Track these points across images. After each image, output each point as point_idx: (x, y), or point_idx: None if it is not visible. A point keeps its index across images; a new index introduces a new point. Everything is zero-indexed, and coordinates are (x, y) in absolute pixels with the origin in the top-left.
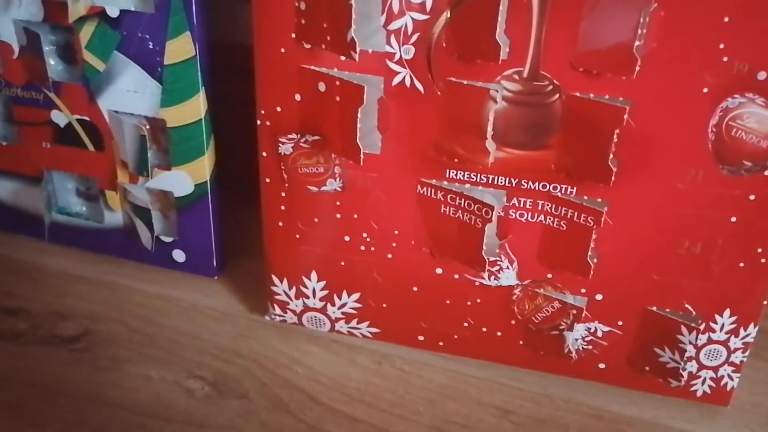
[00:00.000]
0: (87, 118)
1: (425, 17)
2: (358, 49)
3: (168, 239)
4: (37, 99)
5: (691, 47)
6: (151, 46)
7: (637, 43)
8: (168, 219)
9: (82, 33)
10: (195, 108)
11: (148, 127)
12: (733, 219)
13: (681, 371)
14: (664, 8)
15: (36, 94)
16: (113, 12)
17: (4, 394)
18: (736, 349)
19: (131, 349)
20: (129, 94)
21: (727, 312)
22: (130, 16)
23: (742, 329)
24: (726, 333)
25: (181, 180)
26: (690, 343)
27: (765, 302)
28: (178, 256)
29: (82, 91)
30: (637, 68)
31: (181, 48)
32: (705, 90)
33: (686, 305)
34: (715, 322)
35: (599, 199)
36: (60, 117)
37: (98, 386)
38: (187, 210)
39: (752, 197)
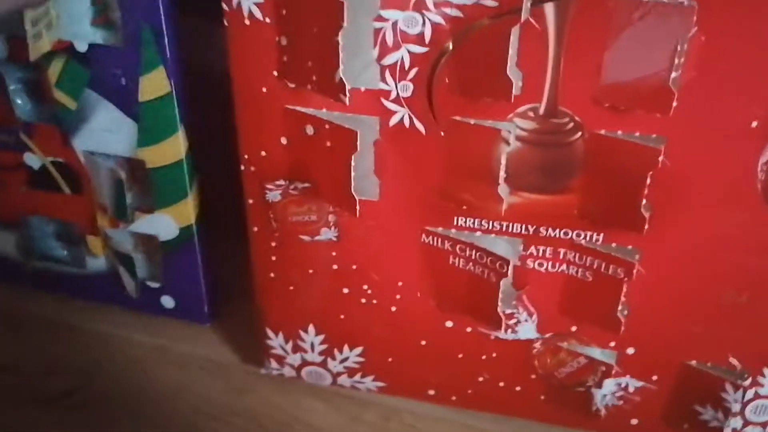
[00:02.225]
0: (62, 160)
1: (424, 50)
2: (347, 92)
3: (155, 285)
4: (8, 141)
5: (736, 76)
6: (123, 83)
7: (673, 74)
8: (154, 264)
9: (51, 70)
10: (175, 147)
11: (127, 167)
12: None
13: (724, 430)
14: (705, 33)
15: (7, 136)
16: (81, 47)
17: None
18: None
19: (123, 406)
20: (104, 133)
21: None
22: (100, 51)
23: None
24: None
25: (165, 223)
26: (735, 401)
27: None
28: (167, 302)
29: (55, 132)
30: (674, 103)
31: (155, 83)
32: (754, 124)
33: (731, 359)
34: (764, 376)
35: (629, 247)
36: (33, 159)
37: None
38: (174, 254)
39: None
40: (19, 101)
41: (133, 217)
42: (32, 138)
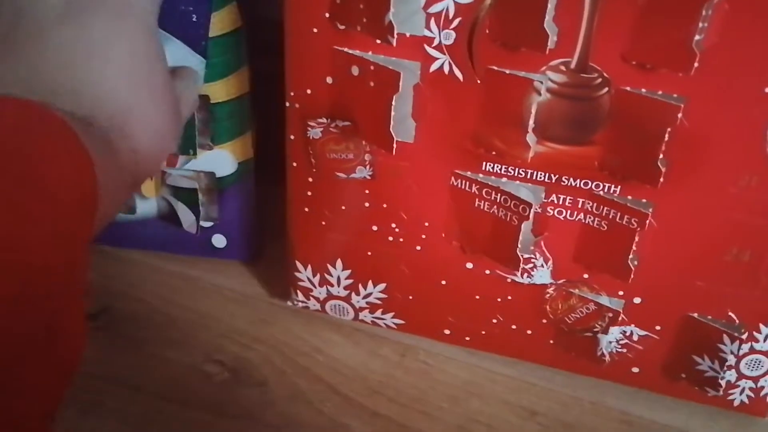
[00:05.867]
0: None
1: (468, 1)
2: (395, 33)
3: (207, 224)
4: None
5: (754, 43)
6: (194, 19)
7: (697, 37)
8: (208, 203)
9: None
10: (241, 82)
11: None
12: None
13: (720, 380)
14: (729, 1)
15: None
16: None
17: None
18: None
19: (150, 328)
20: None
21: None
22: None
23: None
24: None
25: (224, 159)
26: (731, 353)
27: None
28: (218, 241)
29: None
30: (696, 64)
31: (227, 19)
32: (767, 90)
33: (730, 313)
34: (760, 332)
35: (644, 200)
36: None
37: (115, 366)
38: (229, 191)
39: None
40: None
41: (196, 152)
42: None
